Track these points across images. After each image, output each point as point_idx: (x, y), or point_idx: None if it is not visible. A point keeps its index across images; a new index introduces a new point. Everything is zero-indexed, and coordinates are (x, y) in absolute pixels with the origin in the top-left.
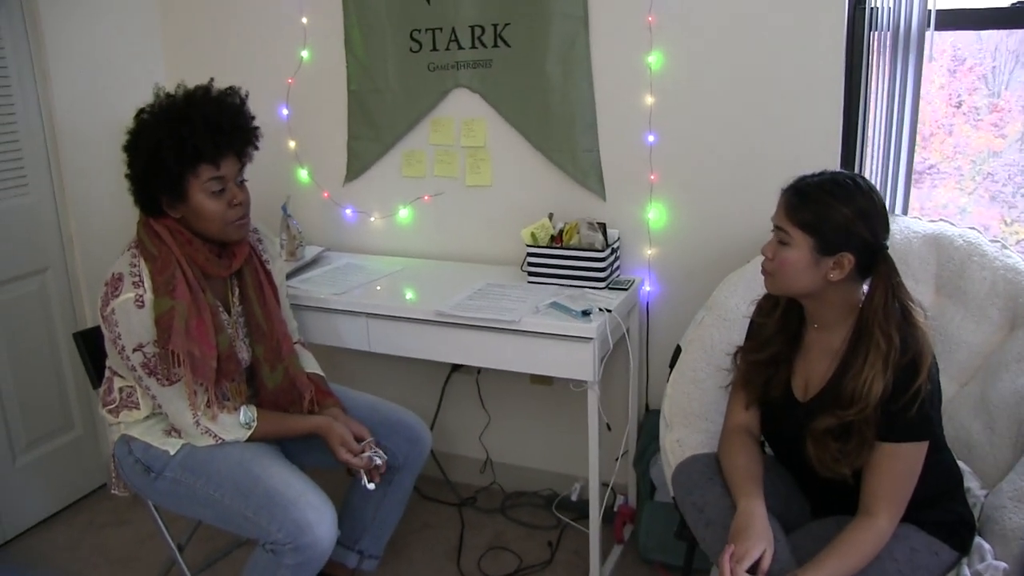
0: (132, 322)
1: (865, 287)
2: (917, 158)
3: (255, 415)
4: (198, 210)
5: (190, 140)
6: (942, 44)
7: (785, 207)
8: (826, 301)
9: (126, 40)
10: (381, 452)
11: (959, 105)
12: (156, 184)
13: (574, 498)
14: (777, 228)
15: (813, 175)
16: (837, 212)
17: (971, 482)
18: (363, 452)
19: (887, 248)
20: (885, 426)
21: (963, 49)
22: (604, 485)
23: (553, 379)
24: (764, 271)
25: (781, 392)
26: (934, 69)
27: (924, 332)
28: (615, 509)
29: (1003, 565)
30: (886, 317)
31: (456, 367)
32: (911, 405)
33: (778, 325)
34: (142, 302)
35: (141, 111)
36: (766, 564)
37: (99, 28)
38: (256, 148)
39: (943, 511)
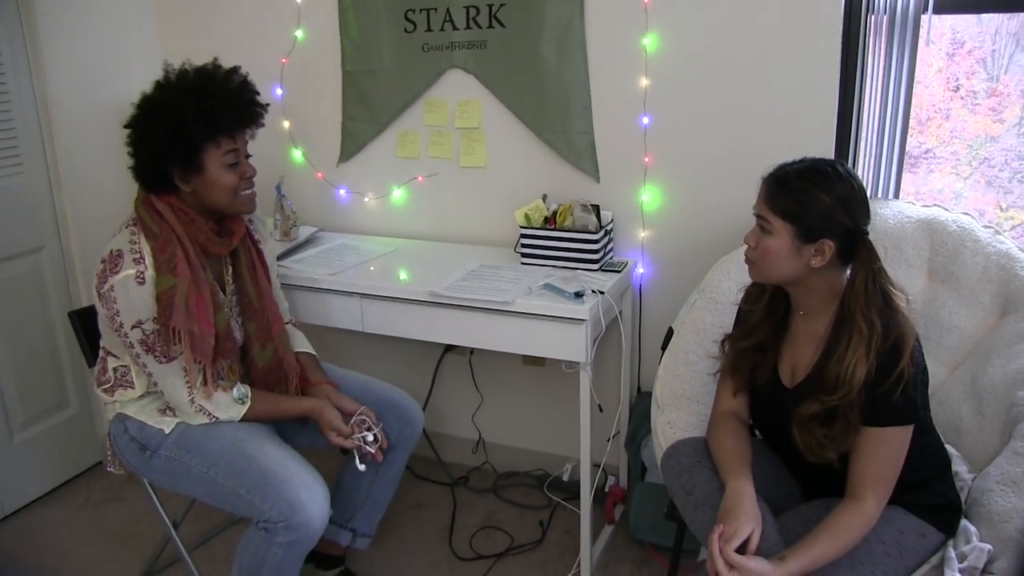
0: (132, 298)
1: (848, 273)
2: (913, 142)
3: (248, 392)
4: (213, 181)
5: (214, 112)
6: (941, 27)
7: (766, 196)
8: (810, 288)
9: (120, 21)
10: (369, 435)
11: (957, 89)
12: (173, 156)
13: (565, 478)
14: (758, 216)
15: (793, 163)
16: (817, 199)
17: (959, 466)
18: (353, 434)
19: (867, 234)
20: (869, 410)
21: (962, 32)
22: (595, 466)
23: (545, 360)
24: (747, 260)
25: (768, 378)
26: (932, 52)
27: (906, 316)
28: (606, 490)
29: (987, 547)
30: (867, 302)
31: (449, 348)
32: (895, 389)
33: (765, 312)
34: (143, 278)
35: (158, 83)
36: (754, 544)
37: (93, 8)
38: (263, 125)
39: (930, 494)
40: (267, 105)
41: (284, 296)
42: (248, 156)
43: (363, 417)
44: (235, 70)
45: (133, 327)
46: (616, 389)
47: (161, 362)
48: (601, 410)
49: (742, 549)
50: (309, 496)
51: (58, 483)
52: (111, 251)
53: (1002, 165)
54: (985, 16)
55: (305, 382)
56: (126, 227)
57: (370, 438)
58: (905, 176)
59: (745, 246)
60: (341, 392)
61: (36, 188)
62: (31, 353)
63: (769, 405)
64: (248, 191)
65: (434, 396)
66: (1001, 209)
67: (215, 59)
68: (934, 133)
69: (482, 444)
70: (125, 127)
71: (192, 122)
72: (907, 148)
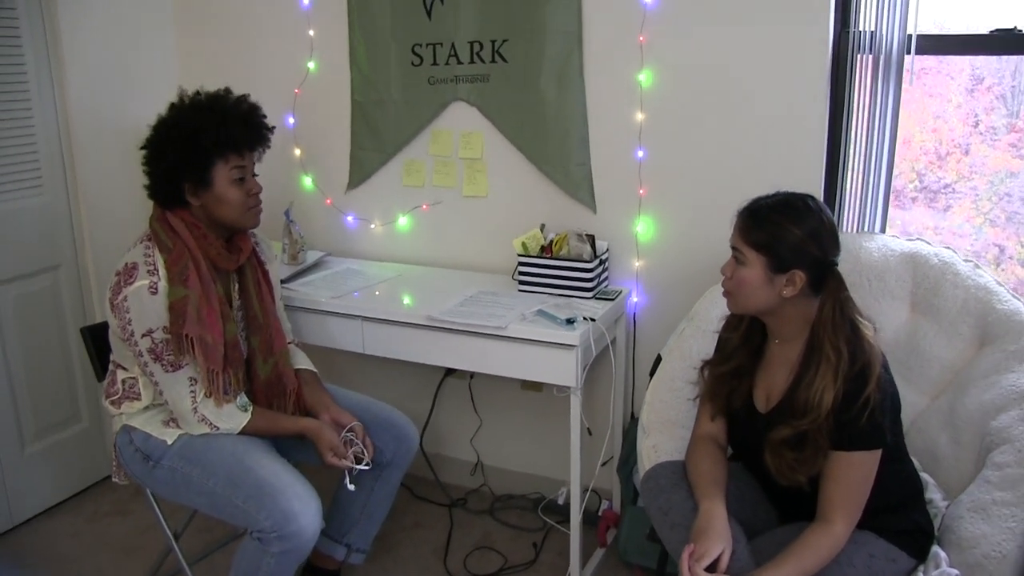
0: (145, 307)
1: (818, 303)
2: (932, 177)
3: (250, 403)
4: (221, 196)
5: (224, 128)
6: (960, 63)
7: (740, 229)
8: (783, 317)
9: (141, 46)
10: (359, 453)
11: (976, 124)
12: (185, 170)
13: (560, 501)
14: (733, 248)
15: (767, 197)
16: (789, 232)
17: (934, 493)
18: (346, 455)
19: (836, 265)
20: (837, 435)
21: (982, 68)
22: (586, 490)
23: (543, 386)
24: (724, 291)
25: (743, 403)
26: (952, 88)
27: (872, 344)
28: (599, 513)
29: (955, 572)
30: (835, 330)
31: (449, 372)
32: (861, 414)
33: (742, 339)
34: (156, 289)
35: (173, 105)
36: (724, 563)
37: (115, 34)
38: (268, 147)
39: (902, 519)
40: (273, 128)
41: (287, 317)
42: (255, 175)
43: (350, 437)
44: (244, 97)
45: (144, 335)
46: (608, 415)
47: (168, 371)
48: (591, 434)
49: (713, 568)
50: (302, 508)
51: (67, 495)
52: (126, 264)
53: (1021, 202)
54: None
55: (302, 398)
56: (140, 242)
57: (358, 448)
58: (924, 211)
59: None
60: (337, 405)
61: (55, 208)
62: (45, 367)
63: (745, 429)
64: (254, 207)
65: (434, 419)
66: (1022, 244)
67: (227, 88)
68: (953, 168)
69: (480, 466)
70: (141, 148)
71: (203, 136)
72: (926, 183)
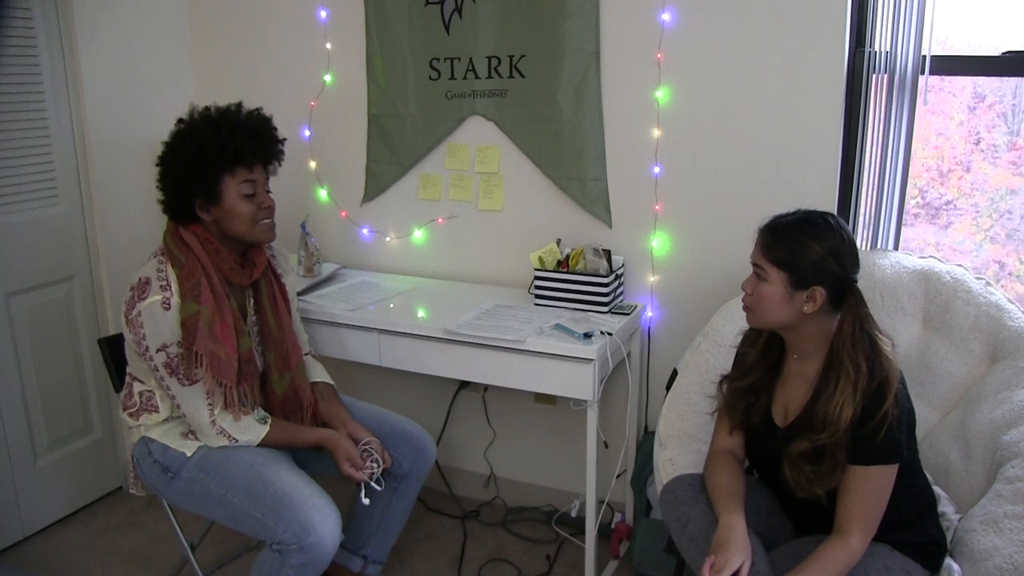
0: (158, 323)
1: (838, 319)
2: (934, 193)
3: (267, 416)
4: (231, 210)
5: (230, 140)
6: (963, 81)
7: (762, 245)
8: (802, 333)
9: (157, 59)
10: (375, 466)
11: (978, 142)
12: (193, 186)
13: (574, 514)
14: (755, 265)
15: (787, 214)
16: (810, 249)
17: (947, 507)
18: (364, 466)
19: (856, 281)
20: (855, 449)
21: (983, 86)
22: (601, 502)
23: (556, 399)
24: (744, 306)
25: (762, 418)
26: (954, 105)
27: (890, 360)
28: (612, 526)
29: None
30: (854, 346)
31: (464, 384)
32: (879, 429)
33: (760, 355)
34: (169, 304)
35: (181, 120)
36: (744, 575)
37: (132, 49)
38: (280, 163)
39: (916, 532)
40: (284, 140)
41: (303, 329)
42: (268, 191)
43: (368, 448)
44: (256, 111)
45: (158, 350)
46: (624, 428)
47: (184, 385)
48: (607, 447)
49: None
50: (321, 519)
51: (79, 506)
52: (139, 279)
53: (1020, 219)
54: None
55: (318, 413)
56: (154, 257)
57: (378, 469)
58: (925, 227)
59: (743, 292)
60: (356, 421)
61: (70, 219)
62: (58, 378)
63: (762, 443)
64: (266, 221)
65: (448, 431)
66: (1021, 261)
67: (240, 102)
68: (955, 185)
69: (493, 479)
70: (157, 165)
71: (209, 149)
72: (928, 199)
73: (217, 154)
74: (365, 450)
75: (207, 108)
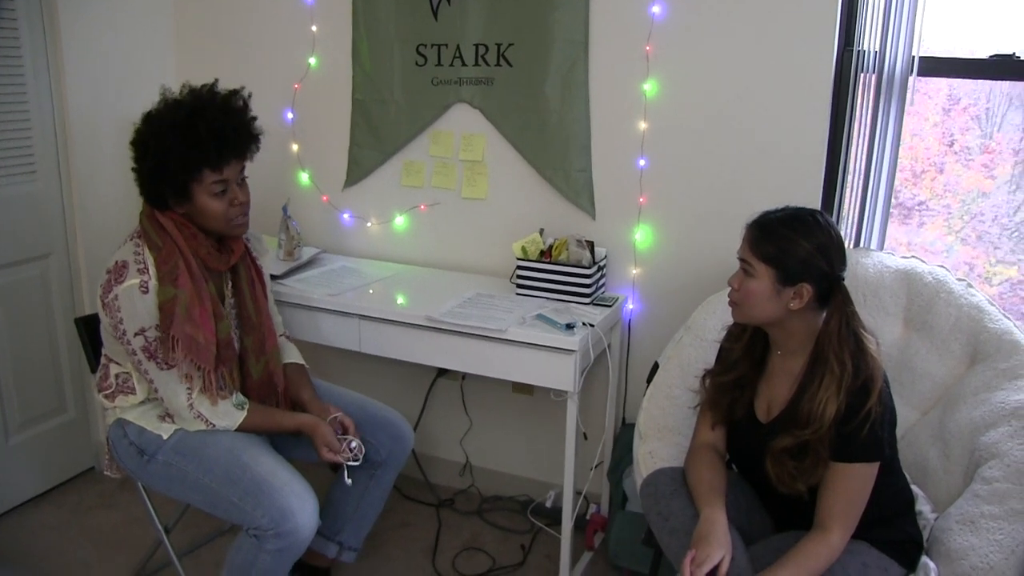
0: (136, 307)
1: (824, 316)
2: (907, 194)
3: (246, 400)
4: (202, 209)
5: (195, 149)
6: (938, 83)
7: (749, 241)
8: (788, 329)
9: (139, 38)
10: (354, 441)
11: (951, 144)
12: (163, 186)
13: (548, 504)
14: (742, 260)
15: (776, 211)
16: (798, 246)
17: (923, 506)
18: (342, 446)
19: (843, 279)
20: (838, 446)
21: (958, 88)
22: (578, 493)
23: (534, 389)
24: (731, 301)
25: (744, 413)
26: (929, 107)
27: (875, 358)
28: (587, 517)
29: None
30: (840, 343)
31: (441, 372)
32: (862, 426)
33: (744, 350)
34: (146, 288)
35: (148, 115)
36: (724, 569)
37: (114, 25)
38: (258, 148)
39: (894, 530)
40: (258, 135)
41: (277, 311)
42: (244, 179)
43: (339, 428)
44: (235, 93)
45: (136, 334)
46: (601, 419)
47: (162, 368)
48: (586, 438)
49: (713, 574)
50: (299, 505)
51: (51, 485)
52: (116, 262)
53: (991, 221)
54: None
55: (291, 397)
56: (131, 239)
57: (355, 444)
58: (897, 227)
59: (730, 288)
60: (325, 402)
61: (48, 195)
62: (33, 357)
63: (744, 439)
64: (238, 218)
65: (424, 419)
66: (990, 264)
67: (215, 80)
68: (928, 186)
69: (469, 468)
70: (131, 146)
71: (173, 159)
72: (901, 199)
73: (181, 163)
74: (337, 432)
75: (177, 99)
